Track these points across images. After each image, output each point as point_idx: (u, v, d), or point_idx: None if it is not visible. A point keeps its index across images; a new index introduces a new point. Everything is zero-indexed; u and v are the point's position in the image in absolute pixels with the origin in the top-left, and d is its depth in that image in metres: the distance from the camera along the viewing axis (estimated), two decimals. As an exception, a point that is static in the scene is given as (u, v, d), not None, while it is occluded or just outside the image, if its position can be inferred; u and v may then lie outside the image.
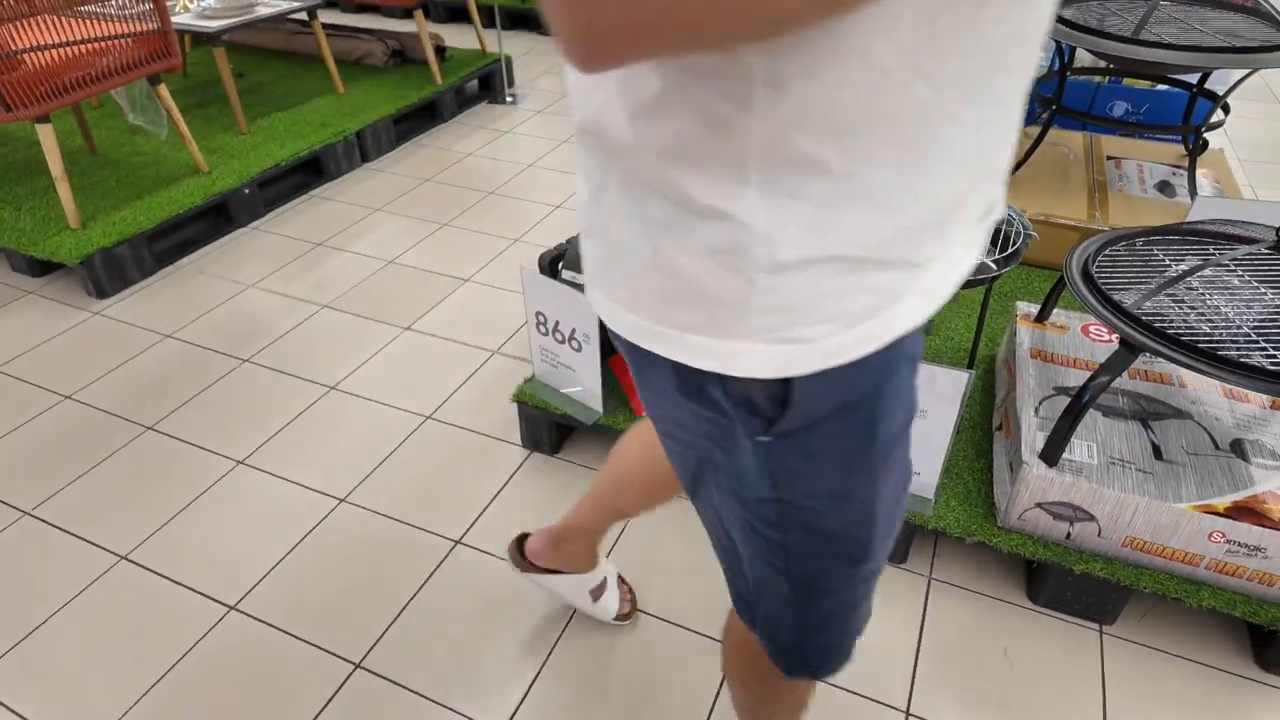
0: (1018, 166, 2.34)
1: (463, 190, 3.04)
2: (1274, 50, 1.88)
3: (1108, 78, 2.73)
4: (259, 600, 1.51)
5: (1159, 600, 1.40)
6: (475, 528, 1.66)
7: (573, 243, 1.70)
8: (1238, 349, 1.23)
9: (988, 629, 1.46)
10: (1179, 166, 2.44)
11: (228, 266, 2.55)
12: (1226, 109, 2.36)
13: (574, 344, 1.64)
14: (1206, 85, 2.44)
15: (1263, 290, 1.34)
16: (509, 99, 3.89)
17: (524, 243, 2.69)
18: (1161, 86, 2.73)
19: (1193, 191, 2.16)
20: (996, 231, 1.56)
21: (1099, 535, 1.37)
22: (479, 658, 1.42)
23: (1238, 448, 1.40)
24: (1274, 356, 1.20)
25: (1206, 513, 1.28)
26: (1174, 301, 1.33)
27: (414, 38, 3.71)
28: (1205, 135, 2.65)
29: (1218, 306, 1.31)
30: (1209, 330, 1.26)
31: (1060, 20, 2.11)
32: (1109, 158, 2.51)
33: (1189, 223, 1.56)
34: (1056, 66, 2.38)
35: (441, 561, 1.59)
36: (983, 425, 1.70)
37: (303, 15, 3.47)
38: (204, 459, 1.82)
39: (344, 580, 1.55)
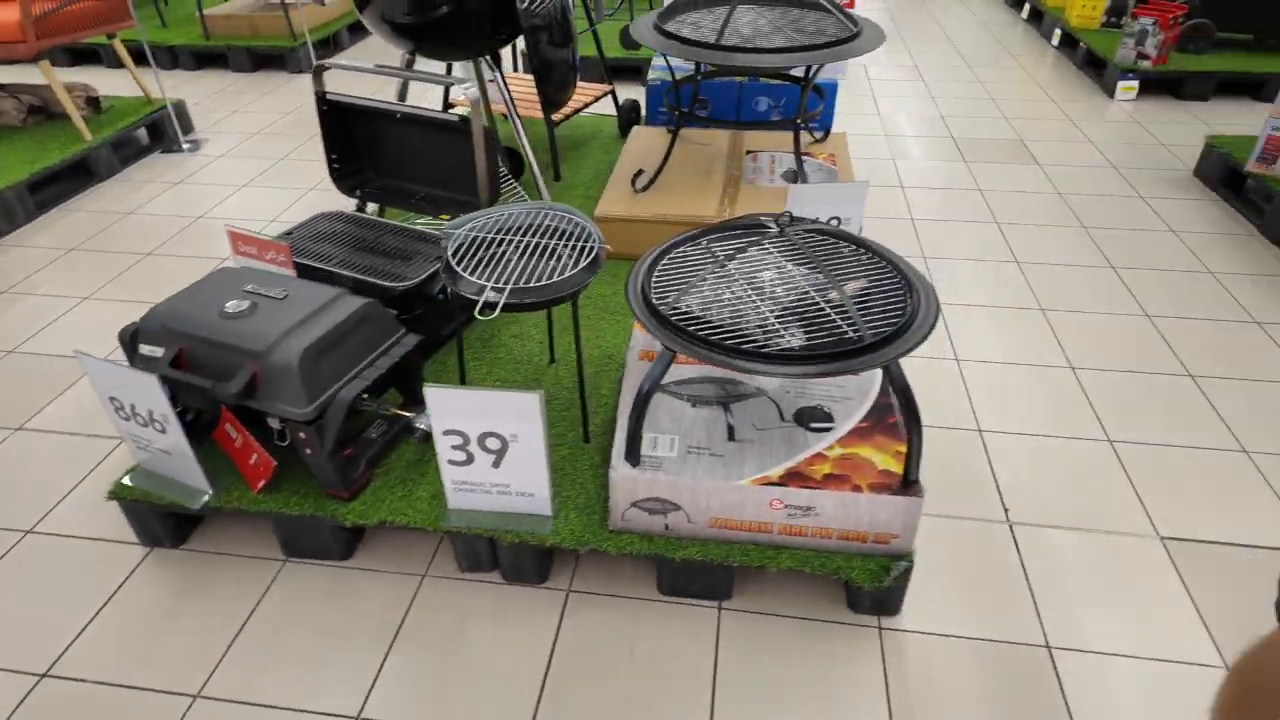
0: (658, 172, 2.48)
1: (115, 256, 2.74)
2: (832, 46, 2.11)
3: (748, 77, 2.97)
4: None
5: (760, 570, 1.51)
6: (69, 653, 1.47)
7: (154, 313, 1.55)
8: (764, 334, 1.34)
9: (621, 630, 1.50)
10: (806, 154, 2.69)
11: None
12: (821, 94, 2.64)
13: (156, 426, 1.50)
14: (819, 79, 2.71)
15: (788, 272, 1.47)
16: (185, 146, 3.58)
17: (182, 307, 2.46)
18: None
19: (802, 177, 2.39)
20: (576, 244, 1.61)
21: (689, 521, 1.46)
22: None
23: (800, 416, 1.54)
24: (784, 340, 1.33)
25: (764, 484, 1.39)
26: (715, 294, 1.44)
27: (53, 89, 3.30)
28: (828, 123, 2.96)
29: (746, 295, 1.43)
30: (731, 320, 1.36)
31: (659, 31, 2.24)
32: (748, 152, 2.73)
33: (741, 217, 1.68)
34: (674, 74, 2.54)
35: (20, 701, 1.39)
36: (611, 431, 1.76)
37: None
38: None
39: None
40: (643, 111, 3.42)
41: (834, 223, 2.19)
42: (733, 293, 1.42)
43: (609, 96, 3.19)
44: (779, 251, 1.53)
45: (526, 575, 1.56)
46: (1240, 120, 3.68)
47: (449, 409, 1.40)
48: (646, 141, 2.86)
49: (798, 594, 1.56)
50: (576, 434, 1.74)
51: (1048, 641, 1.46)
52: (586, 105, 3.02)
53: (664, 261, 1.53)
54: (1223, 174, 2.98)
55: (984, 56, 4.74)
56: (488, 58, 2.18)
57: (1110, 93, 3.99)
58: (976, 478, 1.79)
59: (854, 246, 1.53)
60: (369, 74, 2.32)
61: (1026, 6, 5.47)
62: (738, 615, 1.53)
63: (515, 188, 2.55)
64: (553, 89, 2.15)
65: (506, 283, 1.49)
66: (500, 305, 1.44)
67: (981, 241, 2.72)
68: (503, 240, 1.64)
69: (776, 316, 1.38)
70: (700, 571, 1.49)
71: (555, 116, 2.86)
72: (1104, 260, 2.60)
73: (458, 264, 1.56)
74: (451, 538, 1.56)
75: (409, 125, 2.10)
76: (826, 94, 2.90)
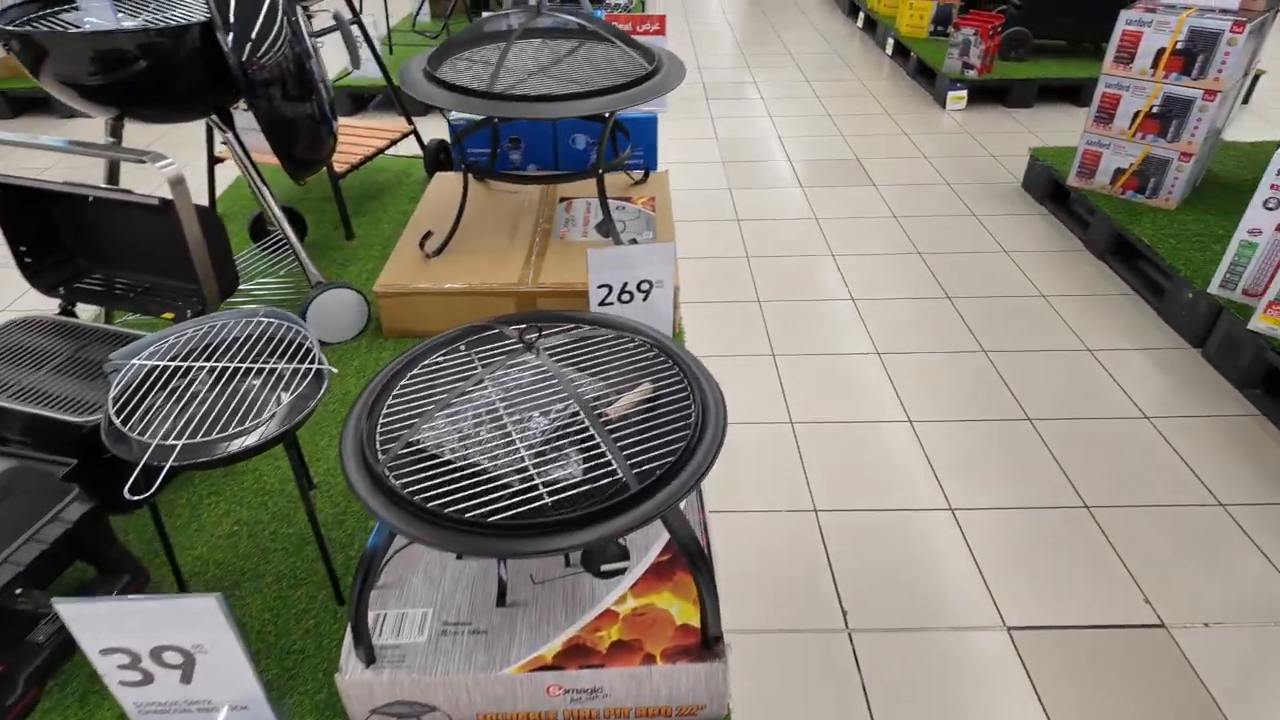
0: (450, 233, 2.15)
1: None
2: (622, 90, 1.86)
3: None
4: None
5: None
6: None
7: None
8: (521, 481, 1.05)
9: None
10: (624, 199, 2.45)
11: None
12: (628, 133, 2.40)
13: None
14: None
15: (551, 384, 1.20)
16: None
17: None
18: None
19: (613, 231, 2.13)
20: (292, 363, 1.27)
21: (452, 721, 1.16)
22: None
23: (589, 558, 1.27)
24: (543, 492, 1.04)
25: (537, 668, 1.11)
26: (458, 427, 1.14)
27: None
28: (650, 162, 2.72)
29: (495, 429, 1.14)
30: (475, 471, 1.07)
31: (428, 77, 1.93)
32: (561, 199, 2.45)
33: (492, 323, 1.38)
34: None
35: None
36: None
37: None
38: None
39: None
40: (452, 153, 3.09)
41: (644, 286, 1.94)
42: (479, 424, 1.13)
43: (413, 137, 2.84)
44: (546, 353, 1.25)
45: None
46: (1062, 126, 3.74)
47: (98, 627, 1.04)
48: (449, 190, 2.53)
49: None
50: (328, 593, 1.40)
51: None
52: (379, 151, 2.66)
53: (401, 384, 1.22)
54: (1048, 187, 2.96)
55: (822, 69, 4.68)
56: (213, 117, 1.80)
57: (942, 102, 3.99)
58: (811, 571, 1.57)
59: (624, 339, 1.27)
60: (39, 149, 1.87)
61: (861, 15, 5.49)
62: (532, 813, 1.24)
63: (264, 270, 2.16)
64: (299, 150, 1.79)
65: (179, 436, 1.14)
66: (161, 476, 1.09)
67: (817, 278, 2.56)
68: (191, 370, 1.28)
69: (535, 455, 1.09)
70: (478, 771, 1.19)
71: (339, 168, 2.48)
72: (940, 290, 2.49)
73: (120, 413, 1.18)
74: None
75: (111, 210, 1.69)
76: (635, 133, 2.65)
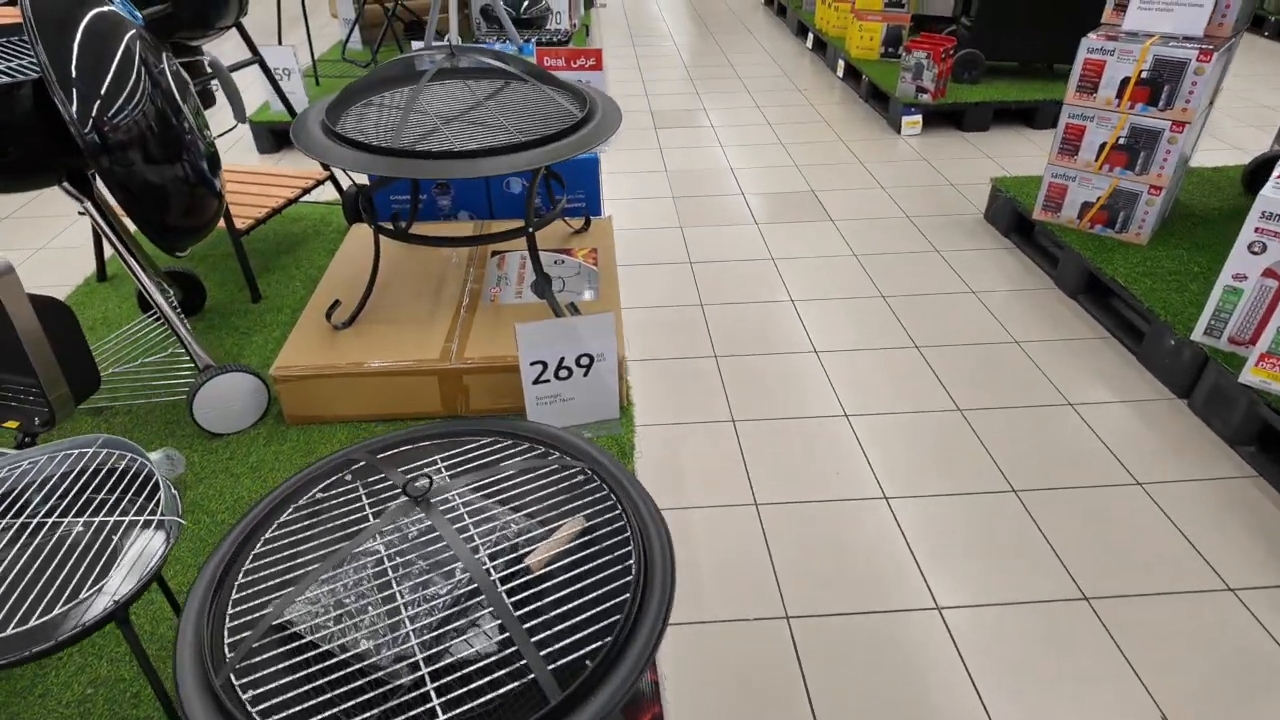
0: (362, 302, 1.90)
1: None
2: (546, 143, 1.64)
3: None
4: None
5: None
6: None
7: None
8: (407, 671, 0.81)
9: None
10: (563, 251, 2.22)
11: None
12: (563, 182, 2.18)
13: None
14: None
15: (457, 539, 0.96)
16: None
17: None
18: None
19: (548, 294, 1.90)
20: (128, 505, 1.02)
21: None
22: None
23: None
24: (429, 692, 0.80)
25: None
26: (338, 591, 0.90)
27: None
28: (592, 208, 2.50)
29: (382, 593, 0.89)
30: (351, 660, 0.83)
31: (326, 131, 1.68)
32: (493, 254, 2.22)
33: (384, 447, 1.13)
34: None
35: None
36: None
37: None
38: None
39: None
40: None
41: (584, 361, 1.72)
42: (364, 593, 0.89)
43: (331, 184, 2.58)
44: (438, 509, 1.02)
45: None
46: (1019, 150, 3.63)
47: None
48: (368, 244, 2.28)
49: None
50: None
51: None
52: (288, 203, 2.39)
53: (265, 536, 0.97)
54: (1011, 220, 2.83)
55: (773, 94, 4.53)
56: (65, 184, 1.53)
57: (896, 127, 3.86)
58: (786, 694, 1.35)
59: (543, 454, 1.04)
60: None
61: (810, 36, 5.38)
62: None
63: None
64: (171, 218, 1.53)
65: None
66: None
67: (777, 328, 2.36)
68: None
69: (431, 637, 0.85)
70: None
71: (241, 224, 2.21)
72: (908, 339, 2.31)
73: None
74: None
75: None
76: (575, 176, 2.43)
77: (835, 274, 2.66)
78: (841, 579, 1.58)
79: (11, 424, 1.44)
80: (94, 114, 1.35)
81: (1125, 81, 2.27)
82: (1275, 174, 1.82)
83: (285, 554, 0.94)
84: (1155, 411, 2.01)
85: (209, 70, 1.82)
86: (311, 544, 0.96)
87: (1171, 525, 1.69)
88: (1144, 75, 2.23)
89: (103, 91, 1.38)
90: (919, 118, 3.80)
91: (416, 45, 2.61)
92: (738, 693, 1.37)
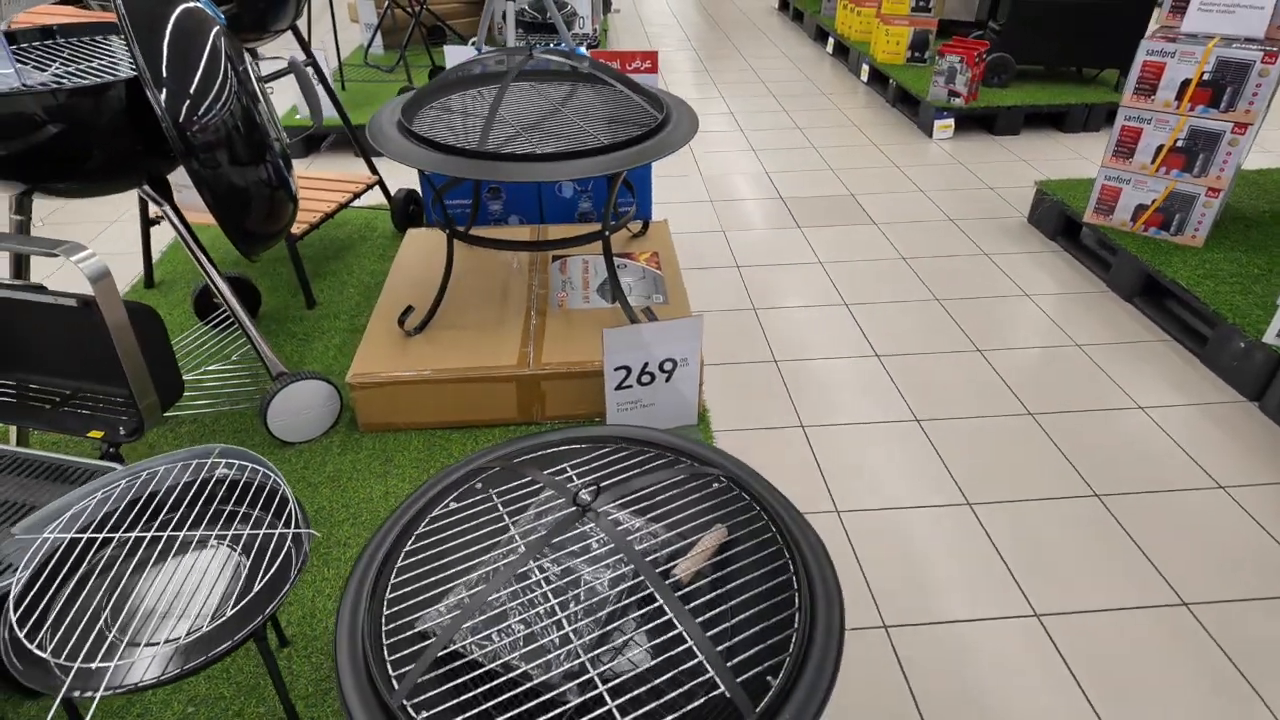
0: (434, 307, 1.87)
1: None
2: (633, 144, 1.61)
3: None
4: None
5: None
6: None
7: None
8: (570, 681, 0.79)
9: None
10: (625, 255, 2.20)
11: None
12: (632, 189, 2.16)
13: None
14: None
15: (603, 539, 0.93)
16: None
17: None
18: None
19: (620, 297, 1.87)
20: (258, 525, 0.98)
21: None
22: None
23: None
24: (599, 690, 0.78)
25: None
26: (490, 601, 0.87)
27: None
28: (646, 213, 2.48)
29: (537, 601, 0.87)
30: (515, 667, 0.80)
31: (405, 132, 1.66)
32: (554, 258, 2.19)
33: (535, 446, 1.11)
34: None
35: None
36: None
37: None
38: None
39: None
40: (425, 205, 2.81)
41: (667, 366, 1.69)
42: (519, 606, 0.86)
43: (378, 188, 2.56)
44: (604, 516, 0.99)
45: None
46: (1052, 154, 3.63)
47: None
48: (425, 249, 2.25)
49: None
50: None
51: None
52: (341, 207, 2.36)
53: (410, 545, 0.94)
54: (1059, 223, 2.82)
55: (798, 98, 4.53)
56: (146, 188, 1.50)
57: (928, 131, 3.86)
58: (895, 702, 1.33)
59: (689, 469, 1.01)
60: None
61: (831, 41, 5.38)
62: None
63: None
64: (253, 223, 1.50)
65: (104, 656, 0.84)
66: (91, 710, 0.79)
67: (835, 331, 2.35)
68: (123, 541, 0.98)
69: (590, 640, 0.83)
70: None
71: (295, 230, 2.18)
72: (969, 343, 2.30)
73: (24, 619, 0.88)
74: None
75: (20, 309, 1.37)
76: (638, 185, 2.41)
77: (886, 277, 2.65)
78: (934, 585, 1.55)
79: (96, 434, 1.40)
80: (187, 115, 1.32)
81: (1186, 83, 2.26)
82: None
83: (430, 566, 0.91)
84: (1227, 414, 2.00)
85: (286, 65, 1.79)
86: (457, 555, 0.93)
87: (1259, 527, 1.67)
88: (1206, 77, 2.23)
89: (192, 90, 1.35)
90: (951, 121, 3.79)
91: (451, 50, 2.58)
92: (846, 704, 1.34)
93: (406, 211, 2.62)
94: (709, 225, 3.04)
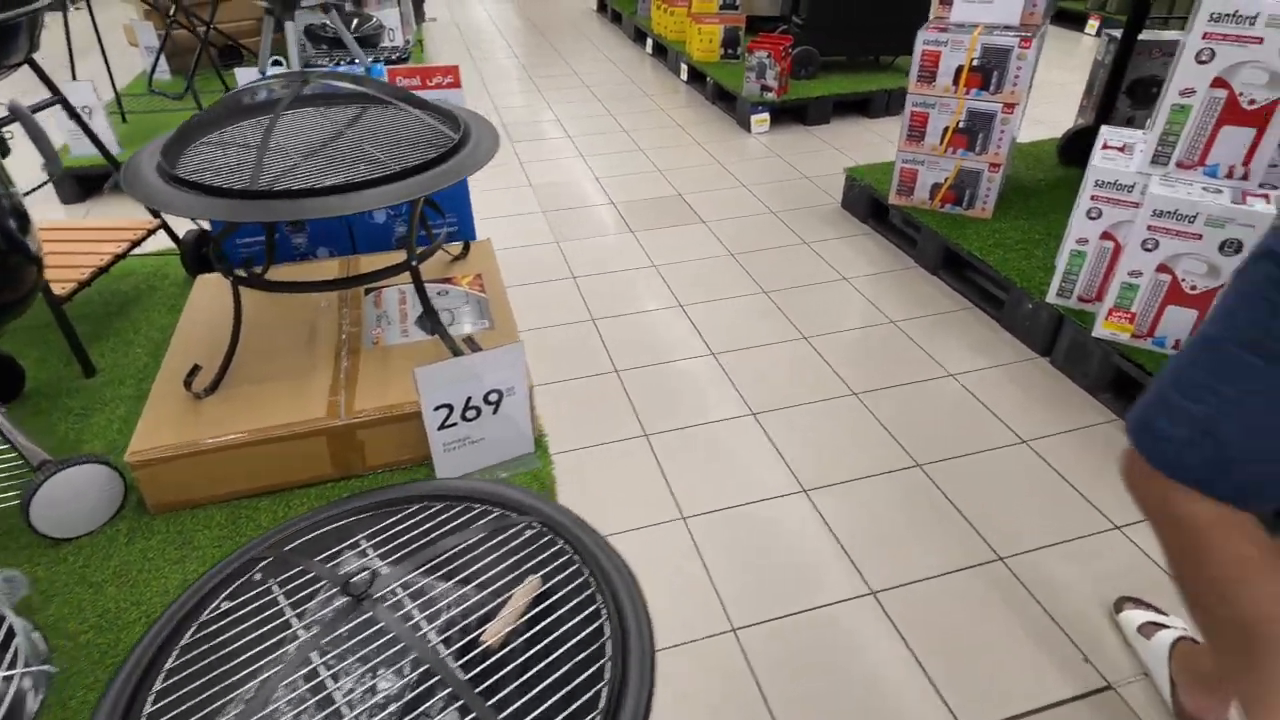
0: (225, 363, 1.69)
1: None
2: (419, 171, 1.52)
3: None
4: None
5: None
6: None
7: None
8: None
9: None
10: (445, 281, 2.09)
11: None
12: (440, 210, 2.06)
13: None
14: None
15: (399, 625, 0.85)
16: None
17: None
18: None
19: (439, 329, 1.77)
20: None
21: None
22: None
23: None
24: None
25: None
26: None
27: None
28: (467, 233, 2.39)
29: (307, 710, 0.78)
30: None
31: (165, 176, 1.48)
32: (367, 291, 2.05)
33: (292, 534, 1.00)
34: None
35: None
36: None
37: None
38: None
39: None
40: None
41: (492, 398, 1.62)
42: (297, 705, 0.76)
43: (162, 231, 2.30)
44: (383, 604, 0.91)
45: None
46: (860, 140, 3.85)
47: None
48: (217, 296, 2.04)
49: None
50: None
51: None
52: (116, 259, 2.10)
53: (167, 668, 0.82)
54: (868, 206, 2.98)
55: (622, 100, 4.55)
56: None
57: (746, 126, 3.98)
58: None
59: (475, 513, 0.95)
60: None
61: (650, 41, 5.46)
62: None
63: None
64: (-23, 298, 1.28)
65: None
66: None
67: (673, 334, 2.35)
68: None
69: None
70: None
71: (60, 289, 1.92)
72: (796, 331, 2.37)
73: None
74: None
75: None
76: (444, 201, 2.30)
77: (717, 275, 2.70)
78: (778, 579, 1.58)
79: None
80: None
81: (959, 70, 2.44)
82: (1100, 145, 2.02)
83: (197, 685, 0.80)
84: (1023, 371, 2.18)
85: (8, 114, 1.55)
86: (229, 666, 0.82)
87: (1059, 477, 1.82)
88: (975, 63, 2.41)
89: None
90: (767, 115, 3.93)
91: (244, 74, 2.38)
92: (701, 716, 1.33)
93: (199, 254, 2.37)
94: (542, 237, 2.98)
